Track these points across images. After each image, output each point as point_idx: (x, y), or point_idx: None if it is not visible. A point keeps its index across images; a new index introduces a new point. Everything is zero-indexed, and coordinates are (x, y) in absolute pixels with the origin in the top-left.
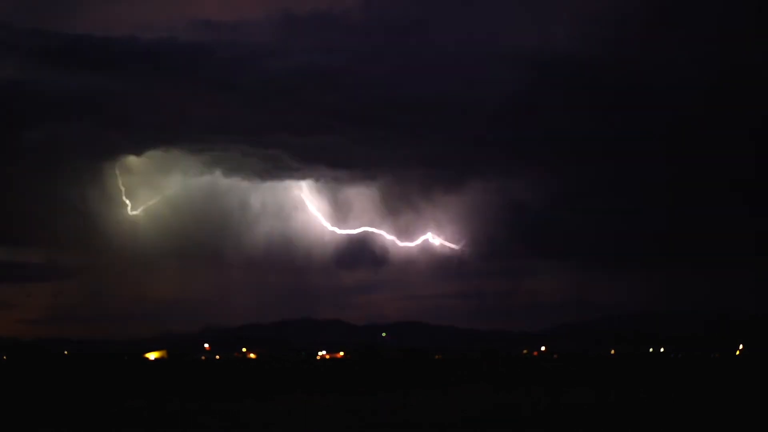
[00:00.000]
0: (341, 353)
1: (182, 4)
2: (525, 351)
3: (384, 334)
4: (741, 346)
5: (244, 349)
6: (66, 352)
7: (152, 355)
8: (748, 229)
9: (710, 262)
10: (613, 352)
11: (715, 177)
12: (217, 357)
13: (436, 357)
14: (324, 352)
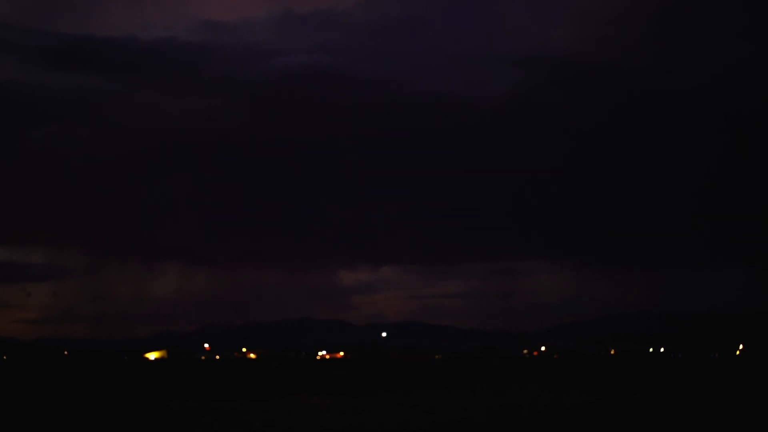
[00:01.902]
0: (341, 353)
1: (184, 4)
2: (525, 351)
3: (384, 334)
4: (741, 346)
5: (244, 349)
6: (66, 352)
7: (152, 355)
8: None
9: (710, 264)
10: (613, 351)
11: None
12: (217, 357)
13: (436, 357)
14: (324, 352)
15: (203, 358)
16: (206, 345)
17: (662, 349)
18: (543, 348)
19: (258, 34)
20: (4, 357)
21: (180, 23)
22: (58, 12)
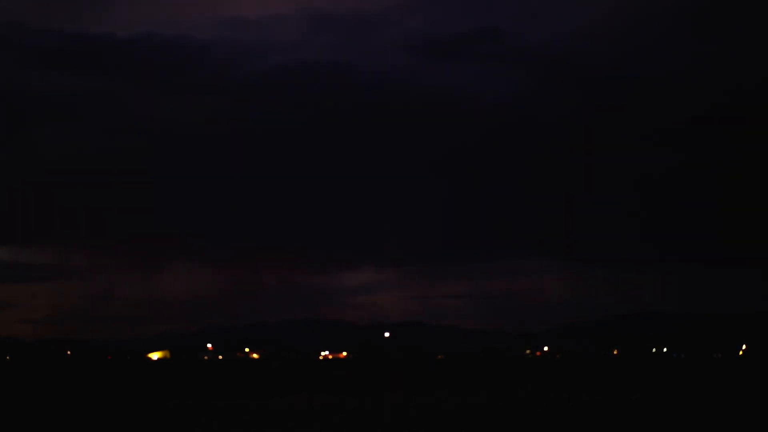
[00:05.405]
0: (344, 353)
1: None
2: (528, 351)
3: (387, 334)
4: (744, 347)
5: (246, 349)
6: (68, 352)
7: (155, 355)
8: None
9: (713, 264)
10: (615, 352)
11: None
12: (220, 357)
13: (438, 357)
14: (327, 352)
15: (206, 358)
16: (209, 345)
17: (665, 350)
18: (546, 348)
19: (278, 32)
20: (7, 357)
21: (201, 20)
22: (75, 10)
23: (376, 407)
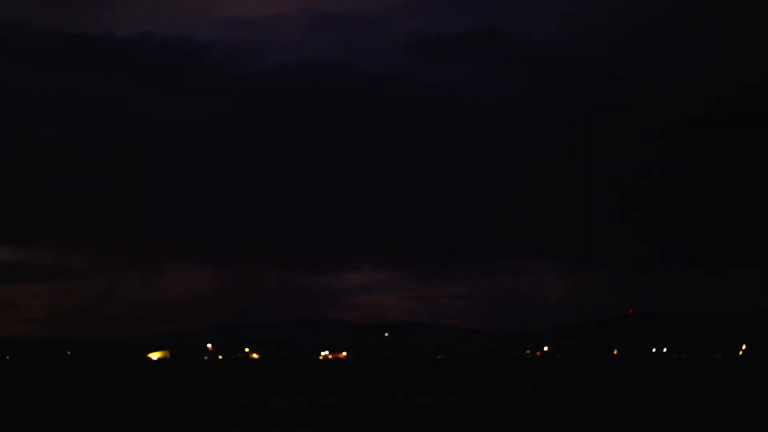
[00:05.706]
0: (344, 353)
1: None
2: (528, 351)
3: (387, 334)
4: (744, 347)
5: (246, 349)
6: (68, 352)
7: (155, 355)
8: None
9: (715, 263)
10: (615, 352)
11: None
12: (220, 357)
13: (438, 357)
14: (327, 352)
15: (206, 358)
16: (209, 345)
17: (665, 350)
18: (546, 348)
19: (278, 32)
20: (7, 357)
21: (201, 20)
22: (75, 10)
23: (376, 407)
